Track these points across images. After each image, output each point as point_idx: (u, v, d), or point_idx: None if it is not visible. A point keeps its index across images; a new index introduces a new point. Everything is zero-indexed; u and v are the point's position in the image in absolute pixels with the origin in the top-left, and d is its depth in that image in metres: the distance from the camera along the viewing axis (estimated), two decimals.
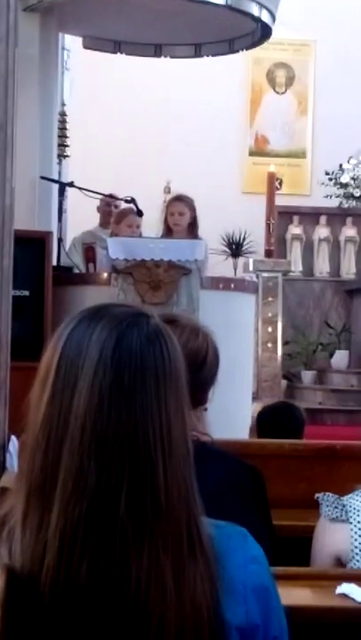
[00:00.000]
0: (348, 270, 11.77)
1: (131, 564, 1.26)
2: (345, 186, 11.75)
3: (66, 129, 7.82)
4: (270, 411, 4.20)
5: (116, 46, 8.28)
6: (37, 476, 1.30)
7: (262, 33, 7.73)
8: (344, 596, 2.06)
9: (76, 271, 6.87)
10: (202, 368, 2.32)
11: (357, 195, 11.73)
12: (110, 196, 7.53)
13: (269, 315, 8.88)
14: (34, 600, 1.26)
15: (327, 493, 2.45)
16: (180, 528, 1.30)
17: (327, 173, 11.57)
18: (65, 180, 7.89)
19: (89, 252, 7.20)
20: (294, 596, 2.00)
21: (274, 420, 4.03)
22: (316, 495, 2.46)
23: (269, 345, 8.90)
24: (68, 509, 1.27)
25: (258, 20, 7.37)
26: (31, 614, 1.26)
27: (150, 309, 1.39)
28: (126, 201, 7.07)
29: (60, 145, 7.73)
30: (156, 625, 1.26)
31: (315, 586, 2.14)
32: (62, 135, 7.76)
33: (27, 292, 5.75)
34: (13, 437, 2.90)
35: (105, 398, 1.28)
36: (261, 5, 7.25)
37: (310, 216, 11.91)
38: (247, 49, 8.35)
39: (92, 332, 1.32)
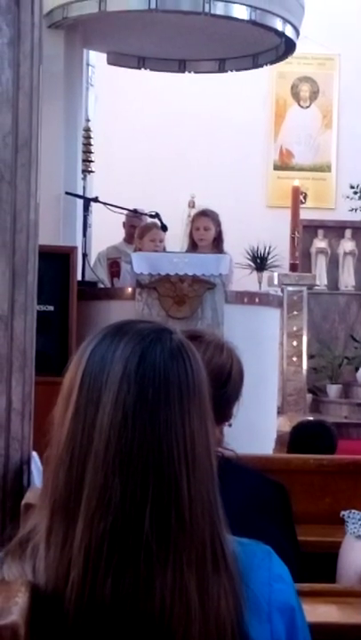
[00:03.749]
0: None
1: (155, 580, 1.26)
2: None
3: (90, 144, 7.85)
4: (304, 430, 4.20)
5: (141, 62, 8.31)
6: (61, 493, 1.30)
7: (286, 47, 7.73)
8: None
9: (101, 286, 6.89)
10: (226, 384, 2.32)
11: None
12: (135, 210, 7.55)
13: (294, 328, 8.84)
14: (58, 617, 1.26)
15: (353, 511, 2.44)
16: (204, 543, 1.29)
17: (352, 187, 11.53)
18: (89, 195, 7.93)
19: (113, 267, 7.21)
20: (320, 612, 1.98)
21: (306, 441, 4.04)
22: (342, 513, 2.45)
23: (294, 359, 8.85)
24: (92, 525, 1.27)
25: (282, 34, 7.37)
26: (56, 631, 1.25)
27: (173, 325, 1.39)
28: (150, 216, 7.09)
29: (84, 160, 7.76)
30: None
31: (341, 603, 2.12)
32: (87, 151, 7.80)
33: (52, 307, 5.77)
34: (35, 454, 2.90)
35: (129, 414, 1.28)
36: (285, 20, 7.25)
37: (335, 230, 11.89)
38: (271, 63, 8.36)
39: (116, 348, 1.32)
